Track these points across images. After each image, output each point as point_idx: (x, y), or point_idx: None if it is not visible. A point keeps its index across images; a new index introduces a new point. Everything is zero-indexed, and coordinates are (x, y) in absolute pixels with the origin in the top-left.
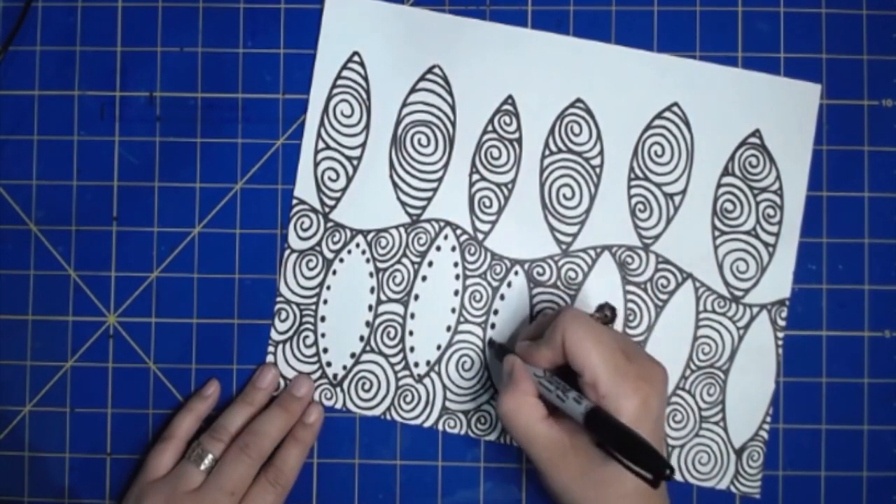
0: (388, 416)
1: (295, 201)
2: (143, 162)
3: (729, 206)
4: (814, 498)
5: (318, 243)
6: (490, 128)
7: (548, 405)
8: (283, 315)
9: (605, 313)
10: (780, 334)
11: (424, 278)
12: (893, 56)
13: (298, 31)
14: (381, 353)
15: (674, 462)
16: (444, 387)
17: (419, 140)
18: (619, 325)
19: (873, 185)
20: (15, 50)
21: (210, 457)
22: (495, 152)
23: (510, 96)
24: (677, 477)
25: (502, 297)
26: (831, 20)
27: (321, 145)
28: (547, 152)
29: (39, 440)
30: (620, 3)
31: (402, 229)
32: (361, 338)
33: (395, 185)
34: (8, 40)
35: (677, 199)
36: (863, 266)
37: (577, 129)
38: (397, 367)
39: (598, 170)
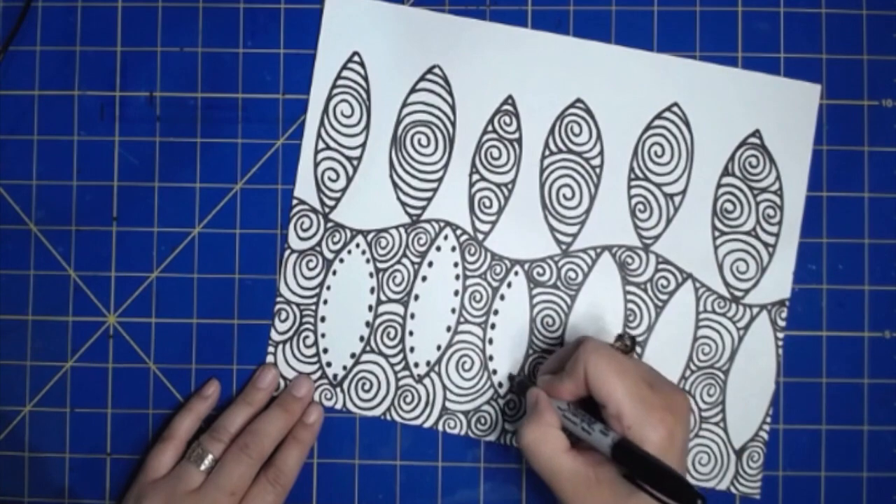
0: (388, 417)
1: (295, 201)
2: (143, 162)
3: (729, 206)
4: (814, 498)
5: (318, 243)
6: (490, 128)
7: (570, 438)
8: (283, 315)
9: (626, 342)
10: (780, 334)
11: (424, 278)
12: (893, 56)
13: (298, 31)
14: (381, 353)
15: None
16: (444, 387)
17: (419, 140)
18: (618, 325)
19: (873, 185)
20: (15, 50)
21: (210, 457)
22: (495, 152)
23: (510, 96)
24: None
25: (502, 298)
26: (831, 20)
27: (321, 145)
28: (547, 152)
29: (39, 440)
30: (620, 3)
31: (402, 229)
32: (361, 338)
33: (395, 185)
34: (8, 40)
35: (677, 199)
36: (863, 266)
37: (577, 130)
38: (397, 368)
39: (598, 170)
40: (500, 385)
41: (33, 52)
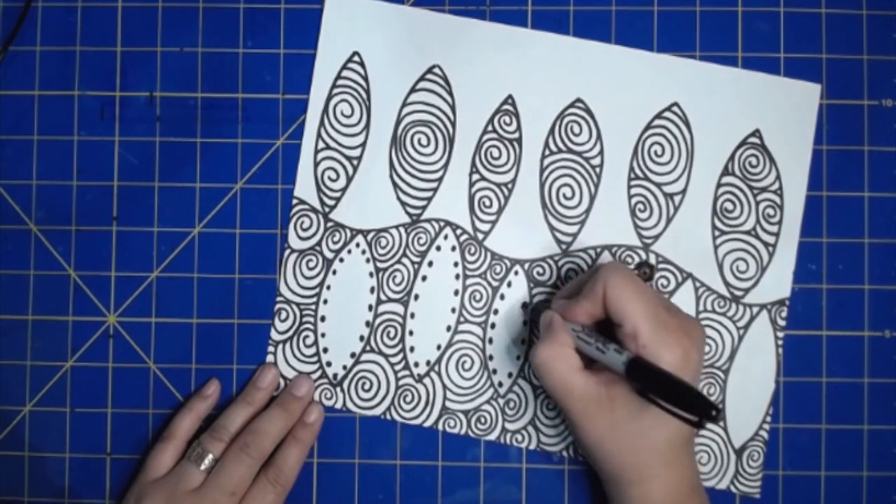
0: (388, 416)
1: (295, 201)
2: (143, 162)
3: (729, 205)
4: (814, 498)
5: (318, 243)
6: (490, 128)
7: (583, 360)
8: (283, 315)
9: (645, 270)
10: (780, 334)
11: (424, 278)
12: (893, 56)
13: (298, 31)
14: (381, 352)
15: None
16: (444, 387)
17: (419, 140)
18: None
19: (873, 185)
20: (15, 50)
21: (210, 457)
22: (495, 152)
23: (510, 96)
24: None
25: (502, 297)
26: (831, 20)
27: (321, 145)
28: (547, 152)
29: (39, 440)
30: (620, 3)
31: (402, 229)
32: (361, 337)
33: (395, 184)
34: (8, 40)
35: (677, 198)
36: (863, 266)
37: (577, 129)
38: (397, 367)
39: (598, 170)
40: (500, 385)
41: (33, 52)
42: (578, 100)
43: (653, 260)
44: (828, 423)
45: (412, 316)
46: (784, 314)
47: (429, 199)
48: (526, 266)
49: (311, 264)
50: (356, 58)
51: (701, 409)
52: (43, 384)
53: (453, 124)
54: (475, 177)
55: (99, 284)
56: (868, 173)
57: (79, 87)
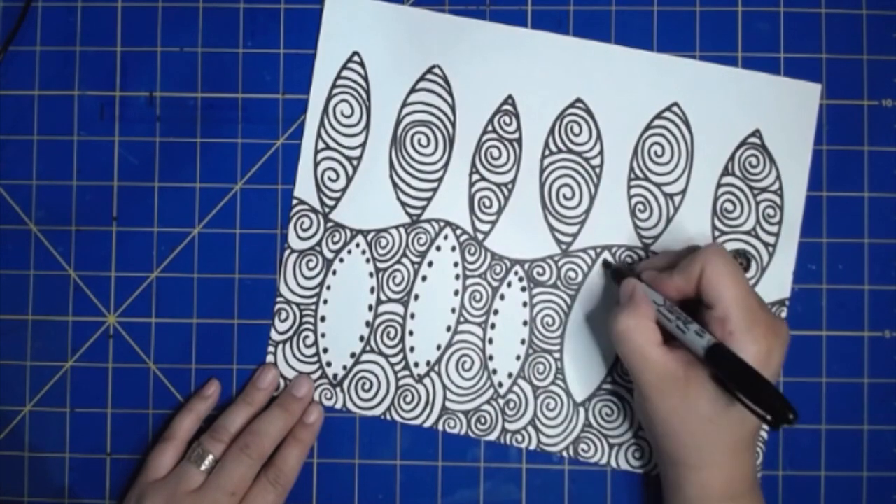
0: (388, 417)
1: (295, 201)
2: (143, 162)
3: (729, 206)
4: (814, 498)
5: (318, 243)
6: (490, 128)
7: (662, 334)
8: (283, 315)
9: (741, 261)
10: None
11: (424, 278)
12: (893, 56)
13: (298, 31)
14: (381, 353)
15: None
16: (444, 387)
17: (419, 140)
18: None
19: (873, 185)
20: (15, 50)
21: (210, 457)
22: (495, 152)
23: (510, 96)
24: None
25: (502, 297)
26: (831, 20)
27: (321, 145)
28: (547, 152)
29: (39, 440)
30: (620, 3)
31: (402, 229)
32: (361, 338)
33: (395, 185)
34: (8, 40)
35: (677, 199)
36: (863, 266)
37: (576, 129)
38: (397, 367)
39: (597, 170)
40: (500, 385)
41: (33, 52)
42: (578, 100)
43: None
44: (828, 424)
45: (412, 316)
46: (784, 314)
47: (429, 200)
48: (526, 266)
49: (311, 264)
50: (356, 58)
51: (777, 410)
52: (43, 384)
53: (453, 124)
54: (475, 177)
55: (99, 284)
56: (868, 173)
57: (79, 87)
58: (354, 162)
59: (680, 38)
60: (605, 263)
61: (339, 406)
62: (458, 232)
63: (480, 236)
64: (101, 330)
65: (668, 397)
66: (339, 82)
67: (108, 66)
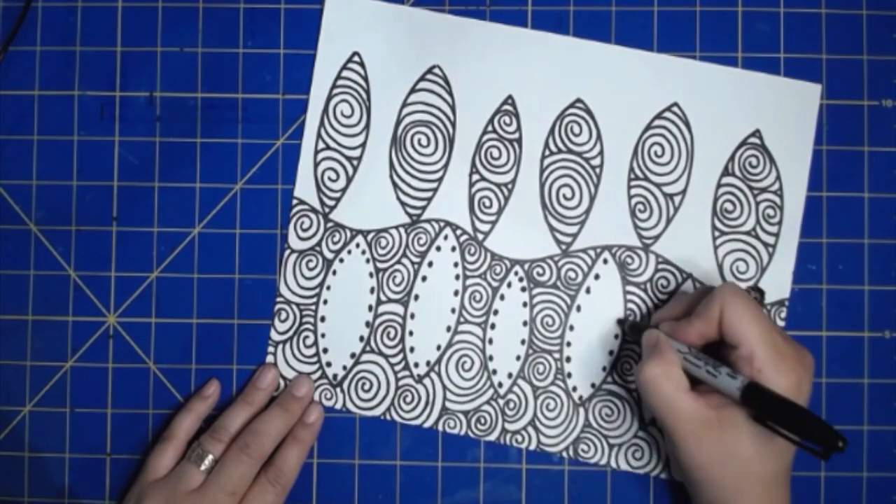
0: (388, 417)
1: (295, 201)
2: (143, 162)
3: (729, 206)
4: (814, 498)
5: (318, 243)
6: (490, 128)
7: (689, 381)
8: (283, 315)
9: (755, 296)
10: None
11: (424, 278)
12: (893, 56)
13: (298, 31)
14: (380, 353)
15: (672, 462)
16: (444, 387)
17: (419, 140)
18: (618, 327)
19: (873, 185)
20: (15, 50)
21: (210, 457)
22: (495, 152)
23: (510, 96)
24: (677, 477)
25: (502, 298)
26: (831, 20)
27: (321, 145)
28: (547, 152)
29: (39, 440)
30: (620, 3)
31: (401, 229)
32: (361, 338)
33: (395, 185)
34: (8, 40)
35: (677, 199)
36: (863, 266)
37: (577, 130)
38: (397, 368)
39: (598, 170)
40: (500, 385)
41: (33, 52)
42: (578, 100)
43: (652, 260)
44: None
45: (412, 316)
46: (783, 314)
47: (429, 200)
48: (526, 266)
49: (311, 265)
50: (356, 58)
51: (826, 439)
52: (43, 384)
53: (453, 124)
54: (475, 177)
55: (99, 284)
56: (868, 173)
57: (79, 87)
58: (354, 162)
59: (680, 38)
60: (620, 320)
61: (338, 406)
62: (458, 232)
63: (480, 236)
64: (101, 330)
65: (705, 443)
66: (339, 82)
67: (108, 66)
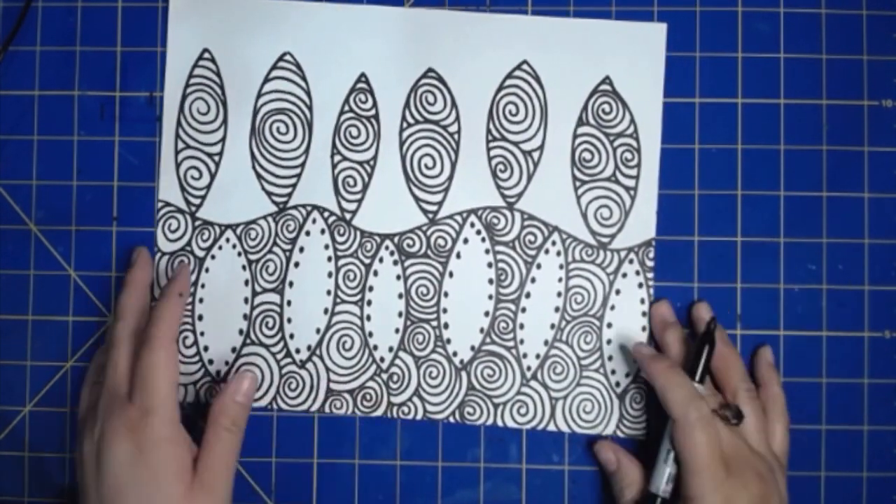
0: (275, 406)
1: (160, 204)
2: (143, 162)
3: (587, 155)
4: (814, 498)
5: (188, 243)
6: (346, 107)
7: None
8: None
9: (726, 414)
10: (650, 275)
11: (297, 264)
12: (893, 56)
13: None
14: (261, 343)
15: (557, 413)
16: (328, 369)
17: (278, 128)
18: (490, 287)
19: (873, 185)
20: (15, 50)
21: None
22: (354, 131)
23: (363, 74)
24: (563, 428)
25: (376, 274)
26: (831, 20)
27: (181, 145)
28: (404, 125)
29: (39, 440)
30: (620, 4)
31: (269, 219)
32: (241, 331)
33: (258, 175)
34: (8, 40)
35: (536, 154)
36: (863, 266)
37: (431, 99)
38: (279, 356)
39: (455, 136)
40: (382, 360)
41: (33, 52)
42: (430, 69)
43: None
44: (828, 424)
45: (289, 303)
46: (651, 255)
47: (293, 186)
48: (395, 240)
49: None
50: (206, 54)
51: None
52: (43, 384)
53: (310, 108)
54: (337, 157)
55: (99, 284)
56: (868, 173)
57: (79, 87)
58: (216, 158)
59: (679, 38)
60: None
61: None
62: (326, 214)
63: (348, 216)
64: (102, 330)
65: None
66: (192, 81)
67: (108, 66)
